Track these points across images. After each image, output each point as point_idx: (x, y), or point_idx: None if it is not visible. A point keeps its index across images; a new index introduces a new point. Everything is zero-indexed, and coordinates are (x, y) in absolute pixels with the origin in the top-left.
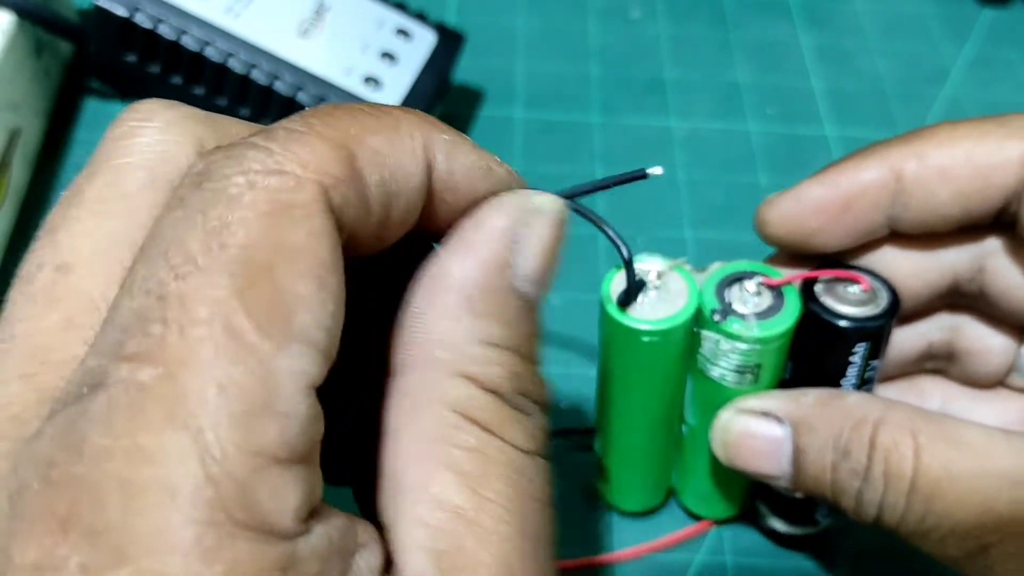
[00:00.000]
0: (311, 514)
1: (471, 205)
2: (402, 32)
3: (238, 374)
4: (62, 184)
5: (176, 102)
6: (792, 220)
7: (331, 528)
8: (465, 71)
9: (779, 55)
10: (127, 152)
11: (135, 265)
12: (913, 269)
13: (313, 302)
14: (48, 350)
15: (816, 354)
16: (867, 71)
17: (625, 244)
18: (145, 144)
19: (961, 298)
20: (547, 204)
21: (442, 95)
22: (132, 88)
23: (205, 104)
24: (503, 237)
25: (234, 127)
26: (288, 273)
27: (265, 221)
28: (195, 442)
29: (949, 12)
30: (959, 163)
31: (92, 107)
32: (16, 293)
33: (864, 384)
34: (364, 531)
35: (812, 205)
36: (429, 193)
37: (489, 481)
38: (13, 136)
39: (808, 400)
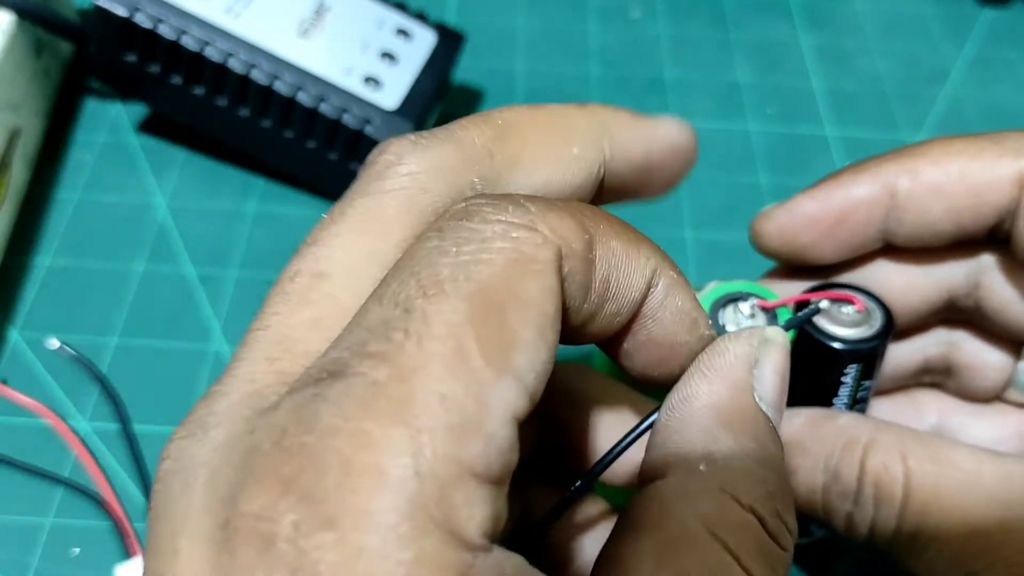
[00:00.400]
0: (493, 539)
1: (664, 349)
2: (402, 32)
3: (460, 391)
4: (62, 184)
5: (424, 138)
6: (786, 234)
7: (508, 560)
8: (465, 71)
9: (779, 55)
10: (387, 182)
11: (388, 278)
12: (909, 283)
13: (531, 347)
14: (294, 341)
15: (808, 374)
16: (867, 71)
17: None
18: (404, 176)
19: (958, 313)
20: (777, 336)
21: (442, 95)
22: (132, 88)
23: (205, 104)
24: (746, 362)
25: (466, 162)
26: (517, 317)
27: (508, 267)
28: (412, 440)
29: (949, 12)
30: (952, 180)
31: (92, 107)
32: (275, 292)
33: (856, 404)
34: None
35: (805, 219)
36: (633, 316)
37: None
38: (13, 136)
39: (799, 421)
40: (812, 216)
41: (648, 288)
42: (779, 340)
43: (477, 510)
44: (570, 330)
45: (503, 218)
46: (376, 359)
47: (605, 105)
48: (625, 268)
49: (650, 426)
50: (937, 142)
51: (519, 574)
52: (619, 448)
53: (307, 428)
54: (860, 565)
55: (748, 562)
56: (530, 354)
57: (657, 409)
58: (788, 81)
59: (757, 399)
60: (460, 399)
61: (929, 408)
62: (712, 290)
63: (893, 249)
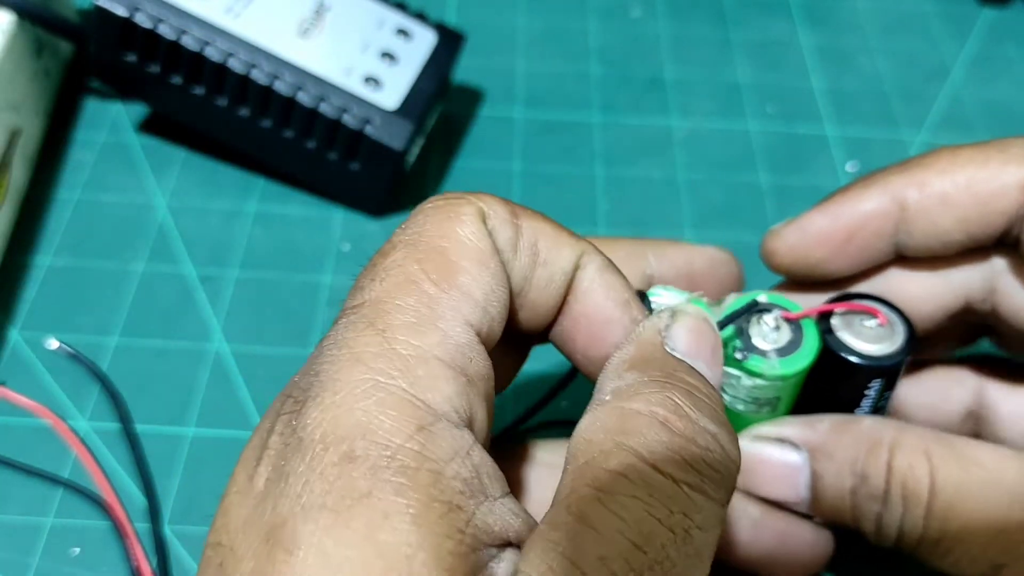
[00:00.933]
0: (469, 427)
1: (597, 325)
2: (402, 32)
3: (412, 302)
4: (62, 184)
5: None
6: (797, 251)
7: (475, 446)
8: (465, 71)
9: (779, 54)
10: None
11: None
12: (924, 291)
13: (473, 271)
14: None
15: (832, 386)
16: (867, 70)
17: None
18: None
19: (975, 317)
20: (688, 307)
21: (442, 95)
22: (132, 88)
23: (205, 104)
24: (655, 326)
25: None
26: (456, 252)
27: (441, 221)
28: (379, 335)
29: (949, 11)
30: (960, 190)
31: (92, 107)
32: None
33: (876, 412)
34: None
35: (816, 236)
36: (566, 292)
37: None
38: (13, 136)
39: (823, 426)
40: (823, 232)
41: (577, 264)
42: (690, 310)
43: (441, 383)
44: (512, 293)
45: (439, 200)
46: (356, 303)
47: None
48: (553, 239)
49: (566, 383)
50: (943, 152)
51: (482, 459)
52: (538, 404)
53: (315, 353)
54: (864, 562)
55: (655, 460)
56: (472, 276)
57: (573, 370)
58: (788, 80)
59: (669, 349)
60: (414, 307)
61: (967, 382)
62: (732, 302)
63: (905, 258)
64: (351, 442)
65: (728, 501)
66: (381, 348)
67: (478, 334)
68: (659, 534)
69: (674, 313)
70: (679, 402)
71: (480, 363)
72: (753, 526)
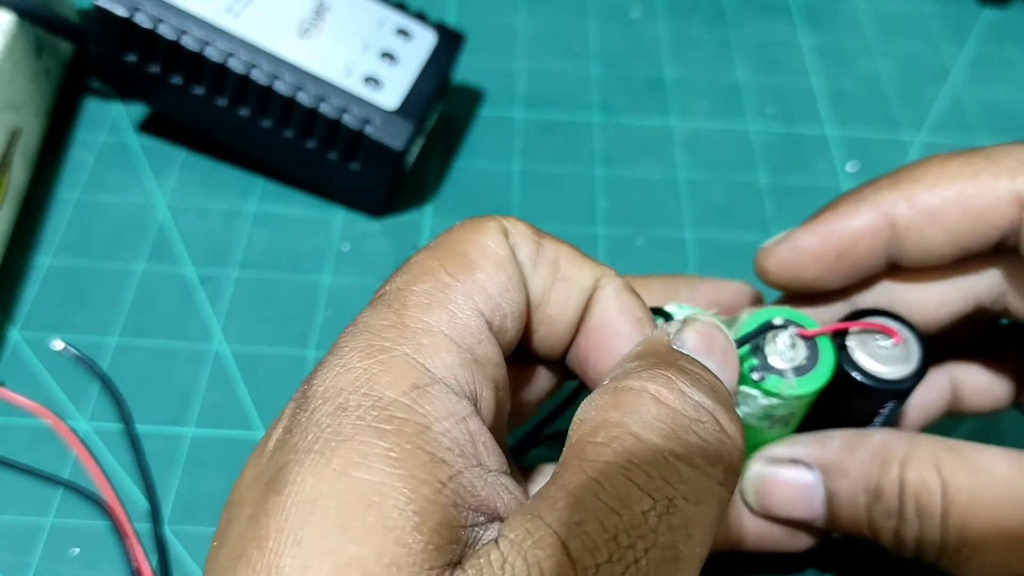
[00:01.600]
0: (471, 400)
1: (609, 337)
2: (402, 32)
3: (428, 288)
4: (62, 184)
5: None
6: (790, 270)
7: (473, 416)
8: (465, 71)
9: (779, 55)
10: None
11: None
12: (930, 298)
13: (490, 271)
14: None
15: (846, 404)
16: (867, 71)
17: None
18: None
19: (990, 315)
20: (702, 316)
21: (442, 95)
22: (132, 88)
23: (205, 104)
24: (664, 331)
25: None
26: (476, 253)
27: (467, 231)
28: (392, 311)
29: (949, 12)
30: (950, 205)
31: (92, 107)
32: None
33: (887, 424)
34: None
35: (808, 255)
36: (585, 309)
37: None
38: (13, 136)
39: (834, 444)
40: (814, 251)
41: (596, 285)
42: (702, 318)
43: (444, 353)
44: (530, 306)
45: (467, 219)
46: (379, 294)
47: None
48: (573, 260)
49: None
50: (933, 162)
51: (479, 430)
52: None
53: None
54: (865, 564)
55: (637, 430)
56: (489, 274)
57: (580, 387)
58: (788, 81)
59: (676, 346)
60: (428, 291)
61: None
62: (747, 319)
63: (905, 269)
64: (347, 395)
65: (729, 481)
66: (391, 321)
67: (489, 323)
68: (637, 498)
69: (686, 320)
70: (672, 377)
71: (489, 348)
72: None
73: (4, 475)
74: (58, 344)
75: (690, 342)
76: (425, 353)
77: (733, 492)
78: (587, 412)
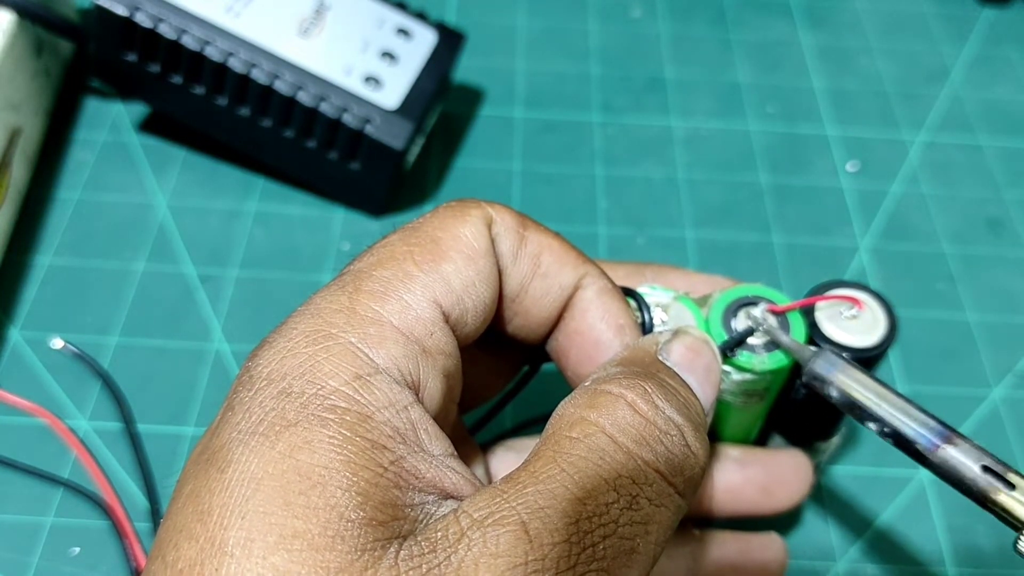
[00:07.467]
0: (417, 392)
1: (590, 345)
2: (402, 32)
3: (387, 274)
4: (62, 184)
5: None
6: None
7: (415, 406)
8: (465, 71)
9: (779, 55)
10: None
11: None
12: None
13: (459, 264)
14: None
15: (816, 411)
16: (867, 70)
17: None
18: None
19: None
20: (692, 330)
21: (442, 95)
22: (132, 87)
23: (205, 103)
24: (653, 340)
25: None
26: (448, 244)
27: (446, 217)
28: (348, 300)
29: (949, 12)
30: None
31: (92, 107)
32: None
33: None
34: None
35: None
36: (564, 306)
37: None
38: (13, 136)
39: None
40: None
41: (577, 284)
42: (693, 332)
43: (389, 344)
44: (506, 297)
45: (453, 201)
46: (341, 273)
47: None
48: (557, 255)
49: (526, 382)
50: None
51: (421, 418)
52: (501, 401)
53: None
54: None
55: (612, 431)
56: (457, 267)
57: (535, 367)
58: (788, 80)
59: (661, 357)
60: (387, 279)
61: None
62: (719, 298)
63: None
64: (291, 380)
65: (687, 493)
66: (341, 306)
67: (447, 316)
68: (603, 492)
69: (677, 331)
70: (649, 390)
71: (441, 339)
72: (738, 464)
73: (4, 475)
74: (58, 343)
75: (675, 355)
76: (370, 342)
77: (690, 504)
78: (566, 408)
